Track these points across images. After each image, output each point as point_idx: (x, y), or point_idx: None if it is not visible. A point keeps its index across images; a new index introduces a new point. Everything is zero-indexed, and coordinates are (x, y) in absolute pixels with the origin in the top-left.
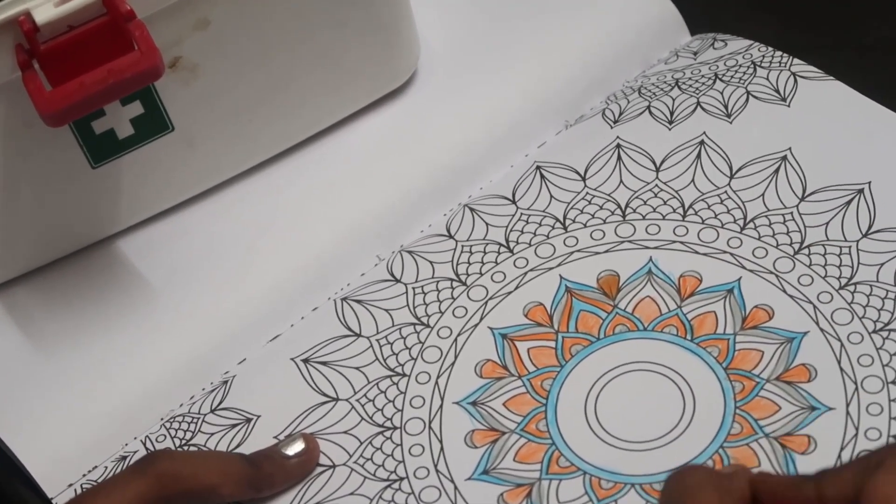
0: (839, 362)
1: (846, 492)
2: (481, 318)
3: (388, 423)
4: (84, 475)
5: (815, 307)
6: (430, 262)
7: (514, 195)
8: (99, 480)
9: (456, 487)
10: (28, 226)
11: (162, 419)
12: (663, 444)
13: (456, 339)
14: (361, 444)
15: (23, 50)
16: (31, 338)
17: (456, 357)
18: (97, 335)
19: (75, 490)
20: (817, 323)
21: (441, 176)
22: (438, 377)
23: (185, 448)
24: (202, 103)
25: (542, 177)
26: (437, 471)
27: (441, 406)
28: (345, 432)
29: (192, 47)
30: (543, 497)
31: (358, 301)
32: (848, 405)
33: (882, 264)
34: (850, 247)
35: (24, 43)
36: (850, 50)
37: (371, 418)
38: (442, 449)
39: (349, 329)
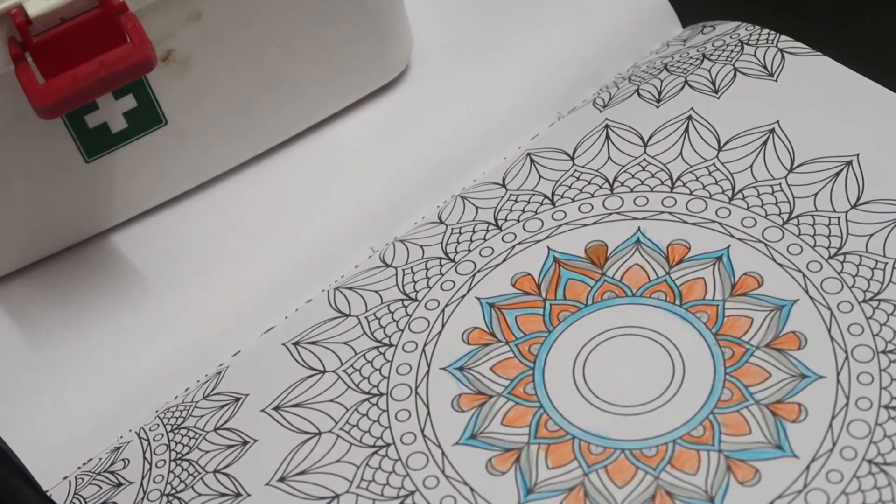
0: (829, 331)
1: None
2: (469, 290)
3: (373, 391)
4: (79, 467)
5: (804, 276)
6: (421, 247)
7: (504, 180)
8: (94, 472)
9: (443, 453)
10: (21, 221)
11: (157, 411)
12: (653, 409)
13: (443, 310)
14: (347, 410)
15: (15, 43)
16: (26, 332)
17: (443, 326)
18: (92, 329)
19: (70, 482)
20: (807, 291)
21: (434, 169)
22: (425, 345)
23: (175, 431)
24: (195, 97)
25: (533, 161)
26: (423, 436)
27: (427, 372)
28: (330, 401)
29: (184, 40)
30: (532, 462)
31: (349, 288)
32: (839, 374)
33: (871, 235)
34: (839, 217)
35: (17, 36)
36: (846, 44)
37: (357, 386)
38: (429, 414)
39: (339, 311)
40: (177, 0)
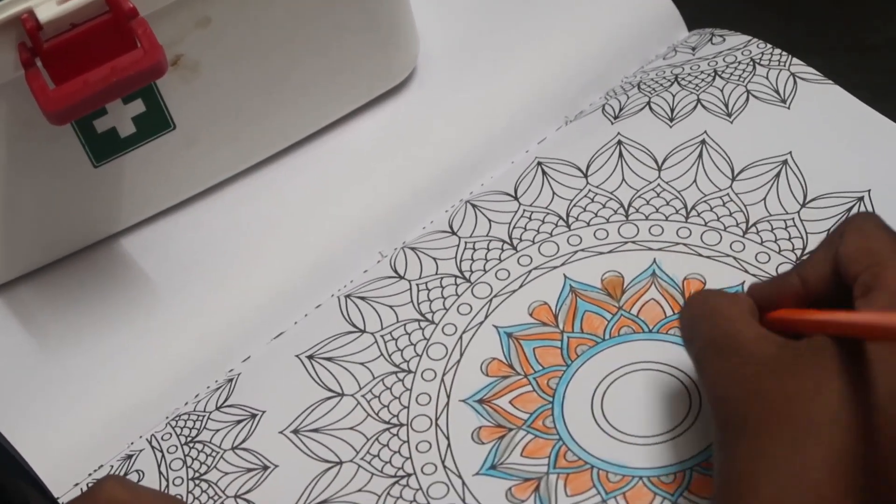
0: None
1: (822, 270)
2: (486, 316)
3: (394, 420)
4: (90, 474)
5: None
6: (434, 259)
7: (516, 191)
8: None
9: (464, 483)
10: (30, 225)
11: (167, 417)
12: (670, 438)
13: (461, 337)
14: (368, 440)
15: (25, 48)
16: (36, 337)
17: (461, 355)
18: (101, 334)
19: (81, 489)
20: None
21: (442, 172)
22: (444, 374)
23: (191, 445)
24: (203, 101)
25: (544, 172)
26: (444, 467)
27: (447, 403)
28: (351, 428)
29: (193, 45)
30: (552, 490)
31: (362, 297)
32: None
33: None
34: None
35: (27, 41)
36: (854, 50)
37: (377, 415)
38: (449, 445)
39: (353, 325)
40: (186, 5)
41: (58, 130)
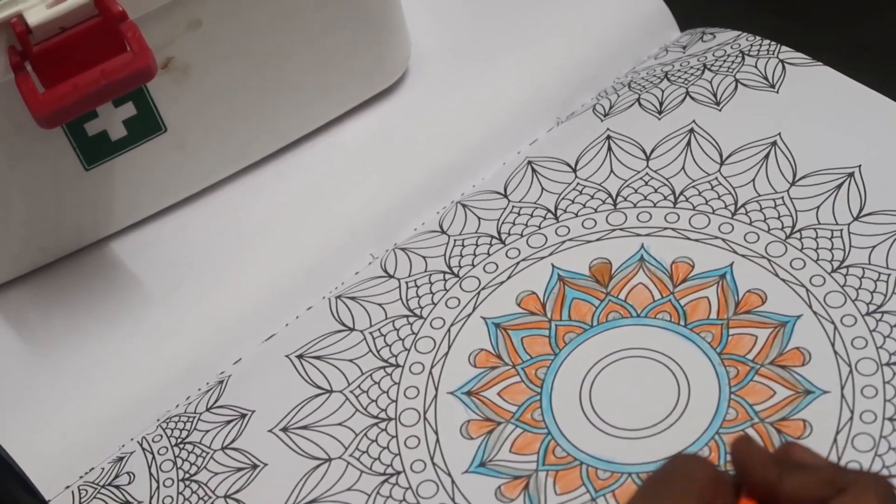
0: (833, 345)
1: (805, 496)
2: (474, 308)
3: (382, 415)
4: (81, 476)
5: (807, 290)
6: (423, 257)
7: (505, 189)
8: (97, 483)
9: (453, 481)
10: (22, 228)
11: (158, 420)
12: (659, 432)
13: (449, 330)
14: (356, 435)
15: (15, 52)
16: (27, 340)
17: (449, 347)
18: (92, 337)
19: (72, 492)
20: (810, 306)
21: (433, 174)
22: (432, 367)
23: (181, 447)
24: (194, 104)
25: (534, 171)
26: (433, 464)
27: (435, 396)
28: (339, 424)
29: (183, 48)
30: (541, 489)
31: (352, 298)
32: (843, 388)
33: (874, 247)
34: (841, 230)
35: (17, 45)
36: (847, 49)
37: (365, 409)
38: (438, 441)
39: (342, 324)
40: (176, 8)
41: (48, 133)
